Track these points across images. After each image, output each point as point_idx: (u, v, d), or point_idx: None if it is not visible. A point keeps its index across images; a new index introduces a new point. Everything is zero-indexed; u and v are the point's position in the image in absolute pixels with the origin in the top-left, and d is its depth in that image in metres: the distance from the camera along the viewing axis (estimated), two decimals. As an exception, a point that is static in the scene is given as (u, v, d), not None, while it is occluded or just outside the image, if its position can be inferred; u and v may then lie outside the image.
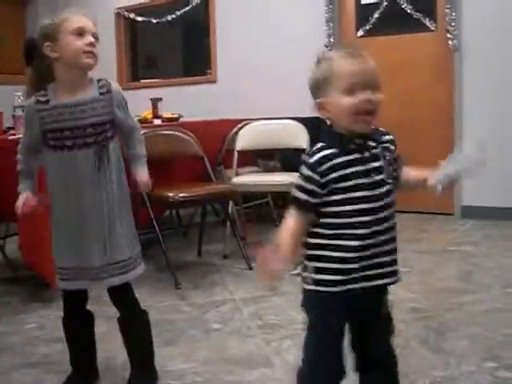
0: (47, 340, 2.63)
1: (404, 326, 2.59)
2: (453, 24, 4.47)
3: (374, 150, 1.51)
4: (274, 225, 4.33)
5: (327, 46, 4.93)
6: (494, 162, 4.46)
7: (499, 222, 4.36)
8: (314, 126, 4.52)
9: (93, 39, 1.91)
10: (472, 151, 1.56)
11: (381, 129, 1.58)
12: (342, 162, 1.47)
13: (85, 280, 2.00)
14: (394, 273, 1.56)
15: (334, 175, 1.47)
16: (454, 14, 4.46)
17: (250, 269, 3.54)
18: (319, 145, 1.52)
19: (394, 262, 1.56)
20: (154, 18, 5.99)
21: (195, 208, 4.45)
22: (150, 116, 4.52)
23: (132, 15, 6.09)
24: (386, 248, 1.51)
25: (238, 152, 4.07)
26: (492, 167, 4.44)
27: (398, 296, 2.96)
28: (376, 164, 1.50)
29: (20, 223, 3.10)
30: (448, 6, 4.49)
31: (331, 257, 1.48)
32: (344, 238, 1.48)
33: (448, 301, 2.88)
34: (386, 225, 1.50)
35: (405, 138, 4.85)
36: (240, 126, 4.20)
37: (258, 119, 4.24)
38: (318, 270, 1.50)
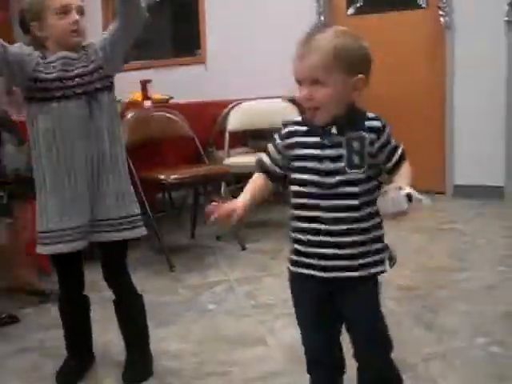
0: (43, 326, 2.64)
1: (396, 303, 2.62)
2: (444, 1, 4.45)
3: (337, 138, 1.44)
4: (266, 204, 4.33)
5: (317, 25, 4.92)
6: (485, 140, 4.48)
7: (491, 201, 4.38)
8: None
9: (77, 17, 1.90)
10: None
11: (370, 114, 1.49)
12: (303, 142, 1.47)
13: (67, 243, 1.97)
14: (349, 269, 1.47)
15: (293, 153, 1.48)
16: (444, -10, 4.44)
17: (243, 249, 3.55)
18: (296, 119, 1.53)
19: (346, 257, 1.46)
20: (143, -1, 5.94)
21: (187, 190, 4.45)
22: (139, 98, 4.48)
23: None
24: (331, 240, 1.45)
25: (230, 133, 4.07)
26: (483, 146, 4.47)
27: (389, 274, 2.98)
28: (334, 152, 1.44)
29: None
30: (438, -17, 4.48)
31: (290, 236, 1.52)
32: (295, 218, 1.50)
33: (440, 278, 2.90)
34: (334, 215, 1.44)
35: (395, 117, 4.84)
36: (231, 106, 4.19)
37: (249, 99, 4.23)
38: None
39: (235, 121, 4.10)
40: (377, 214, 1.46)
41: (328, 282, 1.48)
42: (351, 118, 1.46)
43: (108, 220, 1.99)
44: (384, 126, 1.47)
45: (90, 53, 1.95)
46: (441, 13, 4.48)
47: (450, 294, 2.70)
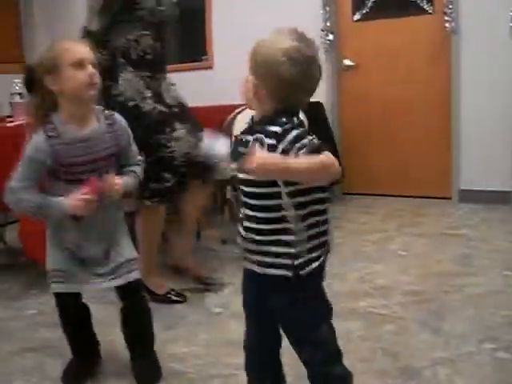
0: (47, 325, 2.64)
1: (402, 308, 2.61)
2: (450, 6, 4.45)
3: (247, 136, 1.51)
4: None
5: (323, 31, 4.92)
6: (493, 145, 4.47)
7: (497, 206, 4.37)
8: (313, 111, 4.54)
9: (94, 70, 1.89)
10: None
11: (280, 121, 1.44)
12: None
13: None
14: (259, 264, 1.50)
15: None
16: (451, -4, 4.44)
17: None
18: None
19: (258, 253, 1.50)
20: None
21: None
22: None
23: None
24: (243, 234, 1.52)
25: (235, 138, 4.07)
26: (490, 151, 4.46)
27: (395, 279, 2.98)
28: (242, 149, 1.50)
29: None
30: (445, -12, 4.47)
31: None
32: None
33: (446, 283, 2.89)
34: (246, 211, 1.51)
35: (401, 122, 4.90)
36: (237, 111, 4.19)
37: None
38: None
39: (241, 126, 4.09)
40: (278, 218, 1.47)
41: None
42: (264, 122, 1.48)
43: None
44: (285, 131, 1.42)
45: (115, 129, 1.99)
46: (447, 18, 4.48)
47: (457, 299, 2.69)
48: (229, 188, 3.97)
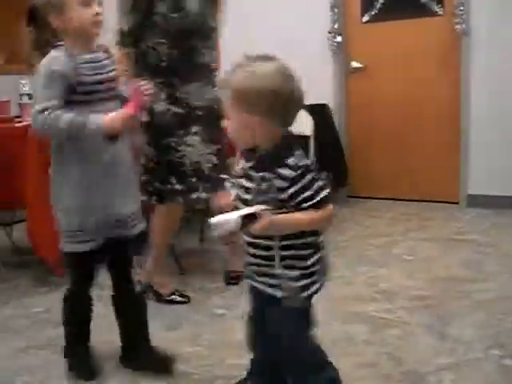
0: (54, 323, 2.64)
1: (408, 313, 2.60)
2: (461, 8, 4.42)
3: (253, 172, 1.53)
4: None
5: (331, 32, 4.91)
6: (501, 151, 4.45)
7: (505, 211, 4.34)
8: (319, 113, 4.54)
9: (99, 9, 1.92)
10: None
11: (292, 160, 1.47)
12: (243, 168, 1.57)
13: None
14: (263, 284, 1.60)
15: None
16: (462, -3, 4.42)
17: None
18: None
19: (260, 275, 1.60)
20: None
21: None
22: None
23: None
24: (251, 260, 1.60)
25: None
26: (498, 156, 4.44)
27: (401, 284, 2.97)
28: (246, 184, 1.54)
29: (28, 210, 3.12)
30: (455, -10, 4.45)
31: None
32: None
33: (453, 289, 2.88)
34: (251, 240, 1.56)
35: (409, 125, 4.88)
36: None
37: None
38: None
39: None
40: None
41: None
42: (271, 157, 1.49)
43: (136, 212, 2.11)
44: (299, 176, 1.45)
45: (111, 55, 2.04)
46: (457, 20, 4.46)
47: (464, 305, 2.67)
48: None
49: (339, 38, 4.92)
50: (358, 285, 2.99)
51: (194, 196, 2.80)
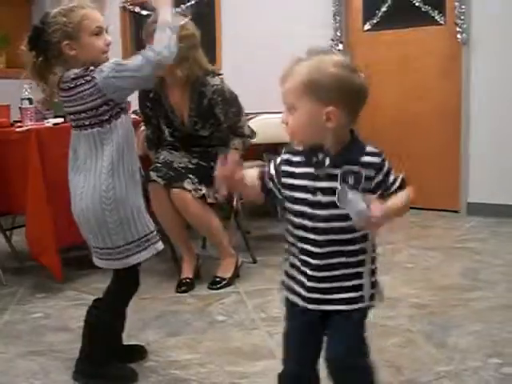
0: (53, 329, 2.66)
1: (408, 321, 2.60)
2: (462, 17, 4.43)
3: (332, 170, 1.42)
4: (277, 220, 4.31)
5: (333, 40, 4.92)
6: (501, 160, 4.45)
7: (506, 220, 4.34)
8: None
9: (109, 38, 1.99)
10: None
11: (369, 148, 1.47)
12: (293, 173, 1.47)
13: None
14: (332, 302, 1.47)
15: (284, 181, 1.48)
16: (463, 6, 4.40)
17: (255, 262, 3.54)
18: (294, 148, 1.51)
19: (330, 291, 1.47)
20: (159, 12, 5.99)
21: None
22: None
23: (137, 9, 6.08)
24: (314, 274, 1.47)
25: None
26: (498, 165, 4.44)
27: (401, 292, 2.97)
28: (328, 184, 1.41)
29: (28, 215, 3.12)
30: (457, -1, 4.46)
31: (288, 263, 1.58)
32: (289, 244, 1.54)
33: (453, 297, 2.87)
34: (318, 250, 1.45)
35: (409, 133, 4.89)
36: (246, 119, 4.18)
37: (264, 113, 4.23)
38: None
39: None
40: (364, 250, 1.47)
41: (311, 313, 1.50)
42: (348, 150, 1.44)
43: None
44: (383, 162, 1.45)
45: None
46: (458, 29, 4.47)
47: (463, 313, 2.67)
48: (236, 196, 3.96)
49: (341, 46, 4.93)
50: (358, 292, 2.99)
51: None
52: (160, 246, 2.13)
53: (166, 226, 3.19)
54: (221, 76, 3.31)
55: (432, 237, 4.06)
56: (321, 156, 1.43)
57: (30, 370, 2.27)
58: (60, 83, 1.96)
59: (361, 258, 1.47)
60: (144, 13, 6.07)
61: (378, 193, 1.42)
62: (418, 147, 4.85)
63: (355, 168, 1.41)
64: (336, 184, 1.40)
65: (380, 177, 1.43)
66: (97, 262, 2.10)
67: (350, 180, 1.40)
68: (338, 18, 4.94)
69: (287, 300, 1.57)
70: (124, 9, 6.20)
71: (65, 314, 2.84)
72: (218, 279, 3.19)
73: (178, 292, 3.09)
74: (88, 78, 1.90)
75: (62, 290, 3.16)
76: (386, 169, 1.44)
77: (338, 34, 4.95)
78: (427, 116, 4.79)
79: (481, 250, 3.66)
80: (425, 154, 4.82)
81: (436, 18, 4.68)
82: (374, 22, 4.95)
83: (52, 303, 3.00)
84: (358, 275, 1.47)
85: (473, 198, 4.59)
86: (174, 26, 1.96)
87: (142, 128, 3.51)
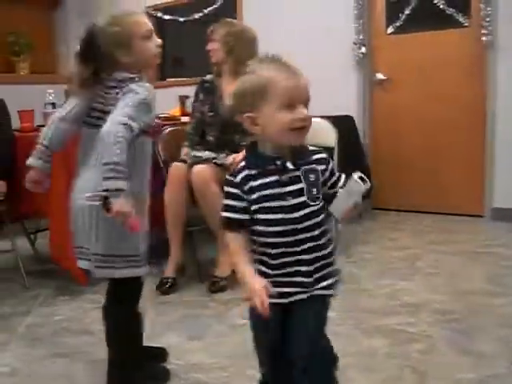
0: (76, 331, 2.68)
1: (430, 327, 2.57)
2: (487, 19, 4.38)
3: (294, 173, 1.50)
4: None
5: (356, 44, 4.91)
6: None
7: (530, 225, 4.28)
8: (343, 125, 4.52)
9: (159, 40, 2.03)
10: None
11: (312, 148, 1.56)
12: (259, 185, 1.49)
13: None
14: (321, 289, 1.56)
15: (253, 196, 1.49)
16: (488, 8, 4.36)
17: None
18: (241, 164, 1.53)
19: (318, 280, 1.55)
20: (182, 17, 6.03)
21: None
22: (177, 113, 4.56)
23: (160, 14, 6.13)
24: (302, 269, 1.52)
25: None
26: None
27: (424, 297, 2.94)
28: (295, 187, 1.49)
29: (51, 219, 3.15)
30: (483, 1, 4.39)
31: (258, 270, 1.54)
32: (262, 254, 1.54)
33: (477, 303, 2.84)
34: (303, 246, 1.51)
35: (434, 136, 4.85)
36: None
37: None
38: None
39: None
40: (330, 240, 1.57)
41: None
42: (300, 151, 1.52)
43: None
44: (329, 157, 1.56)
45: None
46: (483, 31, 4.42)
47: (487, 319, 2.63)
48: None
49: (364, 50, 4.91)
50: (381, 298, 2.97)
51: None
52: (142, 271, 2.03)
53: (169, 218, 3.24)
54: None
55: (456, 242, 4.02)
56: (279, 162, 1.48)
57: (54, 372, 2.29)
58: (104, 80, 1.96)
59: (330, 248, 1.58)
60: (167, 17, 6.12)
61: (330, 182, 1.55)
62: (443, 152, 4.80)
63: (312, 166, 1.51)
64: (301, 185, 1.49)
65: (329, 170, 1.55)
66: (80, 263, 2.05)
67: (312, 178, 1.50)
68: (360, 20, 4.92)
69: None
70: (148, 14, 6.23)
71: (87, 316, 2.87)
72: (215, 279, 3.21)
73: (159, 291, 3.14)
74: (127, 85, 1.90)
75: (84, 292, 3.18)
76: (331, 163, 1.57)
77: (361, 37, 4.93)
78: (451, 120, 4.74)
79: (505, 256, 3.61)
80: (449, 158, 4.78)
81: (460, 20, 4.63)
82: (398, 25, 4.92)
83: (74, 306, 3.02)
84: (333, 263, 1.58)
85: (498, 203, 4.53)
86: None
87: (167, 131, 3.56)
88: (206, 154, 3.34)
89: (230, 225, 1.52)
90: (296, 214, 1.49)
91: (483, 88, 4.54)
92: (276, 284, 1.49)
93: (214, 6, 5.79)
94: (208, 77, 3.57)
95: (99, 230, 1.93)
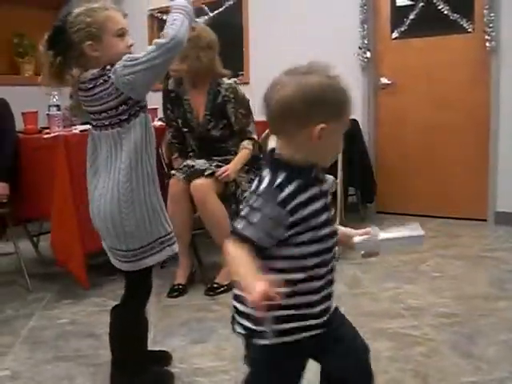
0: (79, 335, 2.68)
1: (434, 330, 2.57)
2: (491, 25, 4.38)
3: (324, 186, 1.37)
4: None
5: (361, 48, 4.91)
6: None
7: (534, 229, 4.27)
8: (348, 129, 4.51)
9: (132, 40, 1.98)
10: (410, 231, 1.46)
11: None
12: (308, 197, 1.30)
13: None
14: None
15: (302, 212, 1.29)
16: (492, 14, 4.37)
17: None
18: (283, 175, 1.30)
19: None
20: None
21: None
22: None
23: (165, 17, 6.12)
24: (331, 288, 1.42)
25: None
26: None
27: (427, 301, 2.94)
28: (328, 199, 1.37)
29: (53, 221, 3.16)
30: (486, 7, 4.40)
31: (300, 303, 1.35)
32: (312, 279, 1.34)
33: (480, 306, 2.83)
34: (331, 265, 1.39)
35: (437, 141, 4.84)
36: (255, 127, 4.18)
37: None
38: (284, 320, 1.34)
39: (276, 142, 4.08)
40: None
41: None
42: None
43: None
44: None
45: None
46: (487, 37, 4.42)
47: (490, 323, 2.63)
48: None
49: (368, 54, 4.92)
50: (384, 301, 2.96)
51: None
52: (176, 248, 2.10)
53: (175, 229, 3.17)
54: (235, 79, 3.46)
55: (459, 246, 4.01)
56: (314, 172, 1.35)
57: (56, 375, 2.30)
58: (78, 84, 1.96)
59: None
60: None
61: None
62: (446, 155, 4.80)
63: (330, 176, 1.42)
64: (328, 198, 1.37)
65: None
66: (112, 261, 2.08)
67: (331, 189, 1.43)
68: (365, 25, 4.92)
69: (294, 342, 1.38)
70: (152, 16, 6.26)
71: (91, 319, 2.87)
72: (215, 285, 3.20)
73: (169, 297, 3.12)
74: (105, 77, 1.88)
75: (88, 296, 3.19)
76: None
77: (366, 41, 4.93)
78: (455, 124, 4.74)
79: (508, 260, 3.60)
80: (453, 162, 4.77)
81: (464, 25, 4.63)
82: (402, 29, 4.92)
83: (78, 309, 3.03)
84: None
85: (501, 207, 4.52)
86: (187, 9, 1.92)
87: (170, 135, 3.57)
88: (199, 162, 3.30)
89: (251, 245, 1.26)
90: (334, 228, 1.40)
91: (487, 93, 4.53)
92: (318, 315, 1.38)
93: (220, 10, 5.80)
94: (170, 85, 3.46)
95: (125, 228, 1.95)
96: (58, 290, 3.32)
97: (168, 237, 2.06)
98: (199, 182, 3.14)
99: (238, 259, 1.24)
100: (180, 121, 3.42)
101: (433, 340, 2.46)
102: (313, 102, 1.28)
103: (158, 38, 1.92)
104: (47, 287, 3.38)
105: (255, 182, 1.34)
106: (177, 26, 1.87)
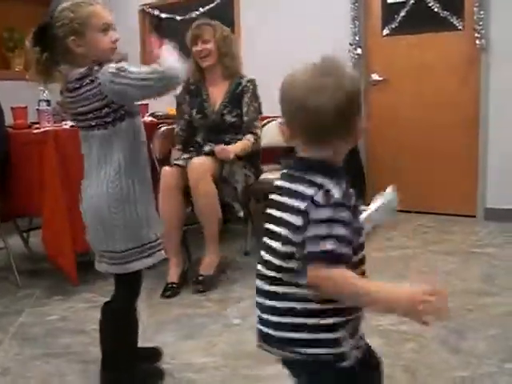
0: (69, 331, 2.67)
1: (424, 326, 2.57)
2: (481, 23, 4.40)
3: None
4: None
5: (352, 45, 4.91)
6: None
7: (523, 225, 4.30)
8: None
9: (117, 35, 1.95)
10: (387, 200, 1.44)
11: None
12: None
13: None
14: None
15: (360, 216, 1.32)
16: (482, 12, 4.39)
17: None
18: (342, 180, 1.30)
19: None
20: (179, 15, 6.02)
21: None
22: (173, 112, 4.55)
23: (156, 12, 6.11)
24: None
25: (263, 149, 4.07)
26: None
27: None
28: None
29: (44, 217, 3.15)
30: (476, 5, 4.41)
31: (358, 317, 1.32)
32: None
33: (469, 302, 2.85)
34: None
35: (427, 138, 4.86)
36: (264, 122, 4.19)
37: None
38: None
39: (268, 137, 4.09)
40: None
41: None
42: None
43: None
44: None
45: None
46: (477, 35, 4.43)
47: (479, 318, 2.64)
48: (252, 200, 3.97)
49: (359, 51, 4.92)
50: (374, 297, 2.97)
51: None
52: (163, 254, 2.08)
53: (166, 226, 3.14)
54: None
55: (449, 242, 4.03)
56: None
57: (46, 371, 2.29)
58: (65, 83, 1.94)
59: None
60: (163, 16, 6.11)
61: None
62: (436, 152, 4.82)
63: None
64: None
65: None
66: (98, 266, 2.06)
67: None
68: (356, 22, 4.93)
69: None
70: (143, 12, 6.23)
71: (81, 316, 2.86)
72: (200, 278, 3.19)
73: (163, 297, 3.08)
74: (92, 77, 1.86)
75: (78, 292, 3.18)
76: None
77: (357, 38, 4.94)
78: (445, 121, 4.75)
79: (497, 256, 3.63)
80: (442, 159, 4.79)
81: (455, 23, 4.65)
82: (393, 26, 4.93)
83: (68, 305, 3.02)
84: None
85: (490, 203, 4.54)
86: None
87: (162, 129, 3.57)
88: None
89: (339, 261, 1.21)
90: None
91: (477, 90, 4.55)
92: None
93: (212, 5, 5.78)
94: (191, 79, 3.57)
95: (114, 228, 1.95)
96: (47, 286, 3.31)
97: (157, 242, 2.04)
98: (197, 162, 3.20)
99: (355, 280, 1.23)
100: (195, 110, 3.52)
101: (422, 336, 2.47)
102: (357, 105, 1.32)
103: (150, 37, 1.93)
104: (37, 283, 3.36)
105: (313, 194, 1.23)
106: (175, 62, 1.90)
